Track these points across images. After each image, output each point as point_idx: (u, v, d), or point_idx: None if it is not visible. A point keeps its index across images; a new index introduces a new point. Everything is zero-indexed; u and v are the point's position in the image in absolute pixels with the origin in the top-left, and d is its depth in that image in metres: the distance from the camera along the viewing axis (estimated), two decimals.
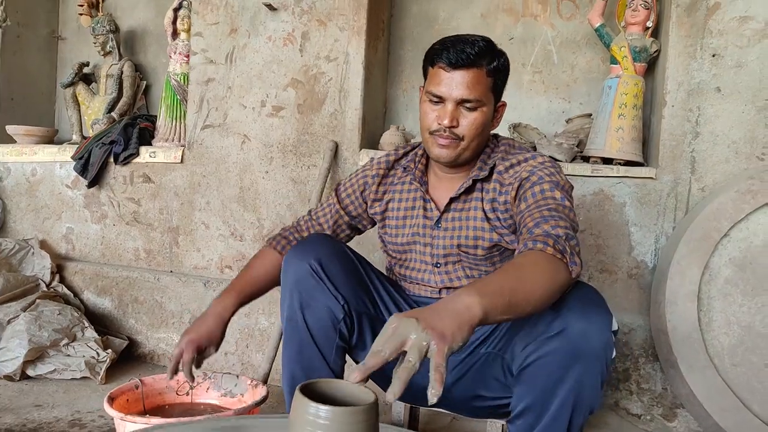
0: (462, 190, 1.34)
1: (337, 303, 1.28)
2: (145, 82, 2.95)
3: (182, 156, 2.52)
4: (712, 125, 1.89)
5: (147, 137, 2.67)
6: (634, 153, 2.01)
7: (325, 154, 2.24)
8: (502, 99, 1.34)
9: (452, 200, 1.36)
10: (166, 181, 2.56)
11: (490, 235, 1.32)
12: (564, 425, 1.07)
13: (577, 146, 2.09)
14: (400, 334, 0.81)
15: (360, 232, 1.59)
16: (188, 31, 2.58)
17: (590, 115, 2.18)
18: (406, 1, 2.51)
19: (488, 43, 1.27)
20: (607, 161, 2.03)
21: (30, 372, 2.16)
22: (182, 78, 2.60)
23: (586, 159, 2.09)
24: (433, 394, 0.79)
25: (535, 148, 2.08)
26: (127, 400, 1.70)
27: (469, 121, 1.27)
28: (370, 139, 2.34)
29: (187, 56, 2.58)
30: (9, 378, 2.12)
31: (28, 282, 2.46)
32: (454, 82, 1.24)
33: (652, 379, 1.94)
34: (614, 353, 1.13)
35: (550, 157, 1.31)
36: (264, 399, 1.70)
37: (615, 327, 1.17)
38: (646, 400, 1.95)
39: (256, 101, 2.39)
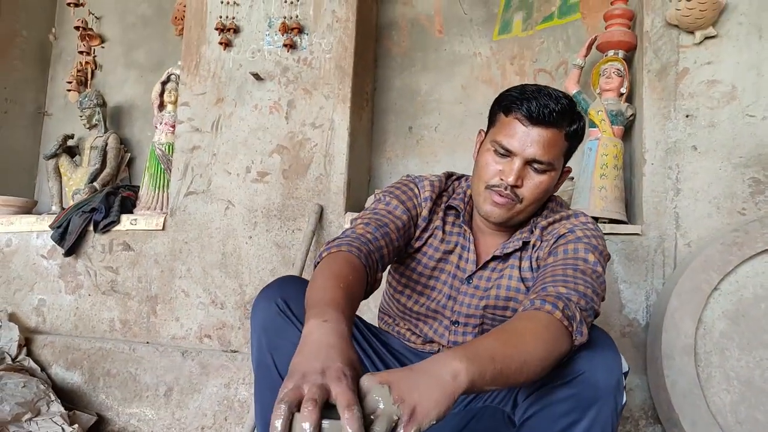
0: (510, 249, 1.23)
1: None
2: (129, 154, 2.96)
3: (164, 223, 2.48)
4: (692, 182, 1.92)
5: (129, 206, 2.64)
6: (618, 212, 2.02)
7: (310, 217, 2.23)
8: (568, 164, 1.25)
9: (493, 258, 1.25)
10: (147, 249, 2.50)
11: (525, 297, 1.20)
12: None
13: None
14: (370, 401, 0.73)
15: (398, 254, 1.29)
16: (175, 102, 2.63)
17: (572, 178, 2.22)
18: (390, 75, 2.61)
19: (570, 101, 1.17)
20: None
21: None
22: (167, 147, 2.61)
23: None
24: None
25: None
26: None
27: (534, 184, 1.17)
28: (354, 204, 2.34)
29: (173, 126, 2.61)
30: None
31: None
32: (530, 139, 1.13)
33: None
34: (624, 399, 1.05)
35: (593, 219, 1.23)
36: None
37: (625, 368, 1.09)
38: None
39: (241, 167, 2.40)
